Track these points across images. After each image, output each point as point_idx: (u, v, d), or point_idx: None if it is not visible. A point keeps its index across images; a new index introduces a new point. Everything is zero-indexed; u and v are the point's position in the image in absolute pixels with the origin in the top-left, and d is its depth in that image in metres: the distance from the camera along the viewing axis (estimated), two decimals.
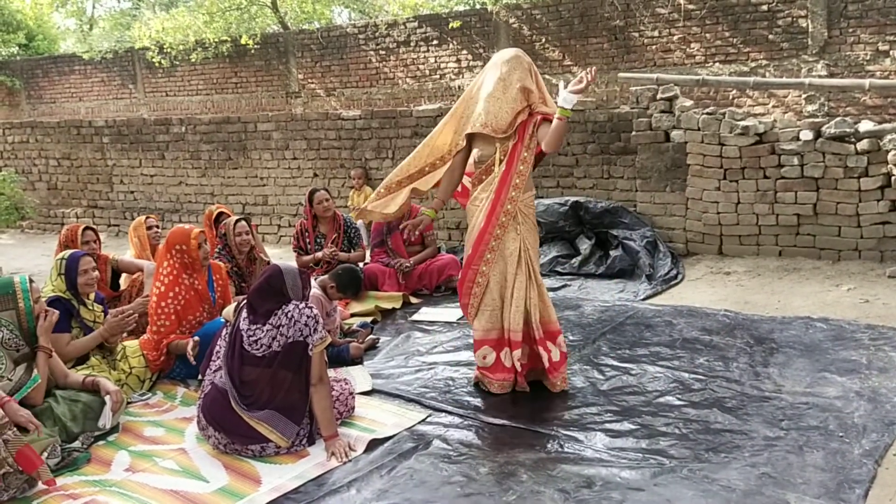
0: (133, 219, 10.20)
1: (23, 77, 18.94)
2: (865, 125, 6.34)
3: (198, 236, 4.47)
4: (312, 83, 15.07)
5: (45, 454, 3.34)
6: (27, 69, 18.96)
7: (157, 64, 16.17)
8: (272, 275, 3.62)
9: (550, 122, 3.76)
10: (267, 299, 3.57)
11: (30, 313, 3.68)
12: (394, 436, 3.63)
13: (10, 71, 18.93)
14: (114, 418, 3.74)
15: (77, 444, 3.52)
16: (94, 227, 5.34)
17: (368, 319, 5.60)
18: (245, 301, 3.66)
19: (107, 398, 3.68)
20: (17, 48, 20.00)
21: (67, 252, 4.33)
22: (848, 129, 6.24)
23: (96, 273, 4.33)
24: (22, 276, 3.78)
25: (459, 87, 13.43)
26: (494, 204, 3.94)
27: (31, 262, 8.63)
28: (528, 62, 3.92)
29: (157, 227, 5.94)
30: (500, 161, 3.95)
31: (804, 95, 10.47)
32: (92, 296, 4.36)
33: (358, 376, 4.40)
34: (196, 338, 4.25)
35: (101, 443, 3.66)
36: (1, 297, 3.65)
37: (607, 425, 3.66)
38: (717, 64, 11.24)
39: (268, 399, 3.49)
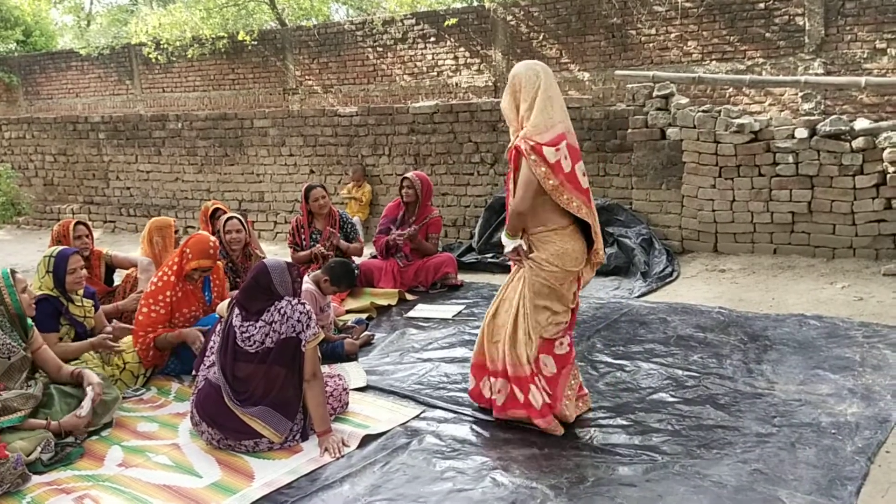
0: (130, 215, 10.30)
1: (20, 73, 18.92)
2: (861, 123, 6.35)
3: (203, 267, 4.37)
4: (309, 80, 15.06)
5: (39, 449, 3.35)
6: (24, 65, 18.94)
7: (153, 60, 16.17)
8: (259, 273, 3.59)
9: (522, 157, 3.39)
10: (256, 298, 3.55)
11: (17, 305, 3.67)
12: (387, 431, 3.64)
13: (8, 67, 18.92)
14: (108, 414, 3.74)
15: (71, 438, 3.52)
16: (87, 222, 5.30)
17: (363, 316, 5.60)
18: (236, 301, 3.64)
19: (88, 389, 3.65)
20: (14, 44, 20.00)
21: (56, 249, 4.28)
22: (843, 127, 6.24)
23: (84, 272, 4.29)
24: (3, 269, 3.75)
25: (456, 84, 13.44)
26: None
27: (27, 257, 8.62)
28: (515, 79, 3.48)
29: (178, 231, 5.84)
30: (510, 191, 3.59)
31: (801, 93, 10.49)
32: (80, 291, 4.34)
33: (352, 372, 4.41)
34: (202, 327, 4.24)
35: (94, 438, 3.66)
36: None
37: (600, 421, 3.67)
38: (714, 62, 11.26)
39: (262, 395, 3.49)
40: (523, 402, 3.57)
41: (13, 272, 3.73)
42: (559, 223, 3.49)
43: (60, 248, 4.32)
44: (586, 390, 3.87)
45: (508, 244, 3.55)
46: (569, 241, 3.51)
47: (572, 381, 3.69)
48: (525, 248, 3.55)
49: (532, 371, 3.56)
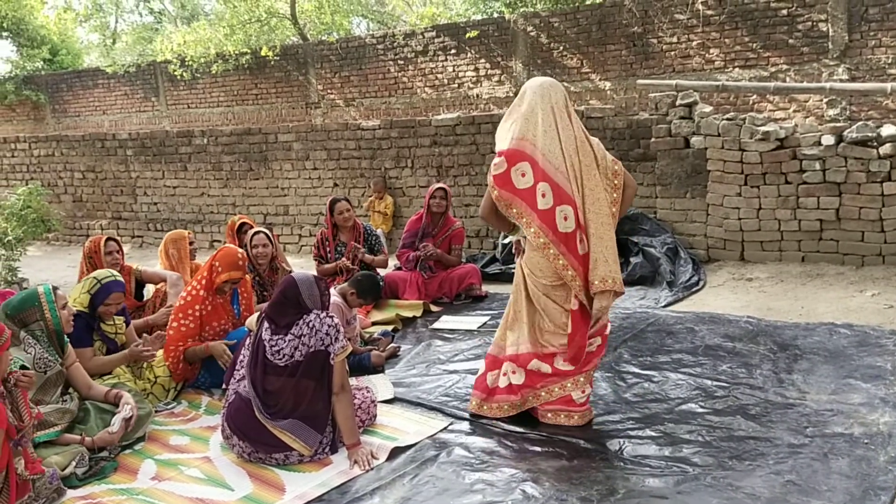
0: (157, 230, 10.42)
1: (48, 91, 19.24)
2: (888, 129, 6.29)
3: (233, 279, 4.42)
4: (332, 93, 15.18)
5: (74, 463, 3.39)
6: (52, 83, 19.26)
7: (178, 77, 16.39)
8: (287, 287, 3.62)
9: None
10: (285, 312, 3.57)
11: (57, 321, 3.73)
12: (416, 444, 3.64)
13: (35, 85, 19.25)
14: (141, 429, 3.79)
15: (105, 452, 3.57)
16: (117, 238, 5.38)
17: (389, 328, 5.62)
18: (265, 314, 3.67)
19: (125, 407, 3.70)
20: (41, 63, 20.33)
21: (107, 277, 4.25)
22: (870, 134, 6.19)
23: (120, 306, 4.32)
24: (45, 285, 3.82)
25: (477, 95, 13.49)
26: None
27: (57, 273, 8.76)
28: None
29: (193, 242, 5.94)
30: None
31: (825, 100, 10.40)
32: None
33: (379, 385, 4.42)
34: (231, 340, 4.29)
35: (127, 452, 3.70)
36: (28, 309, 3.70)
37: (630, 433, 3.65)
38: (736, 69, 11.20)
39: (291, 408, 3.52)
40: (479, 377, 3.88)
41: (55, 289, 3.80)
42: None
43: (111, 278, 4.26)
44: (588, 405, 3.80)
45: (508, 238, 3.82)
46: (531, 249, 3.74)
47: (543, 393, 3.75)
48: (523, 245, 3.83)
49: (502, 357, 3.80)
